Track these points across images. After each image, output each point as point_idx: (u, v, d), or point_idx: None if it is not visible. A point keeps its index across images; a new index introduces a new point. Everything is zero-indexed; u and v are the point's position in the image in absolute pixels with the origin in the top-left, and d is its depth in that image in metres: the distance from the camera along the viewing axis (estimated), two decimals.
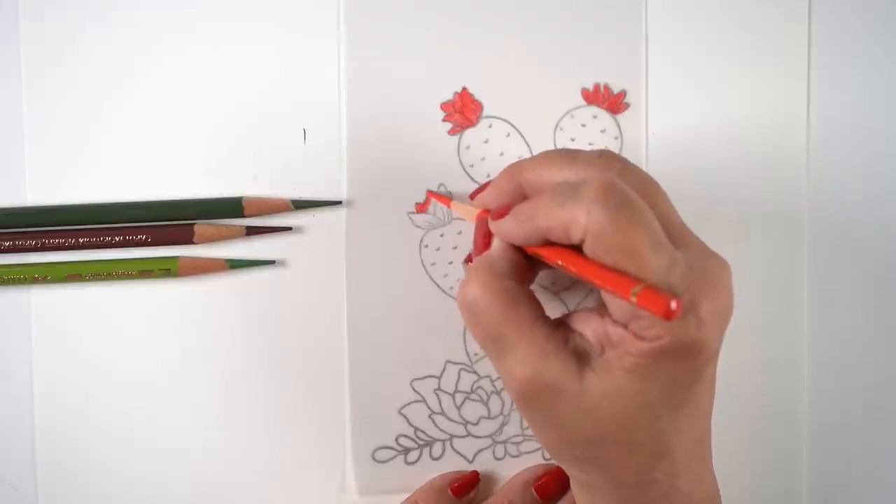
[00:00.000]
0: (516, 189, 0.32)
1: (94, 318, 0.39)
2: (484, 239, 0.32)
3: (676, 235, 0.29)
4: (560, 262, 0.29)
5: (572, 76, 0.40)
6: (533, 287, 0.33)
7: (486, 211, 0.33)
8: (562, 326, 0.30)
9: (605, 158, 0.31)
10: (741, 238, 0.40)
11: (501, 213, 0.31)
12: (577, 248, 0.29)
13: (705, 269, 0.28)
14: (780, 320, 0.41)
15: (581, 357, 0.29)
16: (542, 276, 0.38)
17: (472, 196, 0.35)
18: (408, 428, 0.40)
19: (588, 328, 0.30)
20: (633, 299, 0.26)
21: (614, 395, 0.28)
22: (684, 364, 0.28)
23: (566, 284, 0.40)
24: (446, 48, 0.39)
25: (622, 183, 0.28)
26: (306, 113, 0.39)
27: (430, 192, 0.39)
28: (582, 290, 0.40)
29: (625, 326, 0.28)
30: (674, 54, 0.40)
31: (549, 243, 0.30)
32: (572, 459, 0.31)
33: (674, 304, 0.25)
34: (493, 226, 0.32)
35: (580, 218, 0.27)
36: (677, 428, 0.29)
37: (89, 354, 0.39)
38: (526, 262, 0.31)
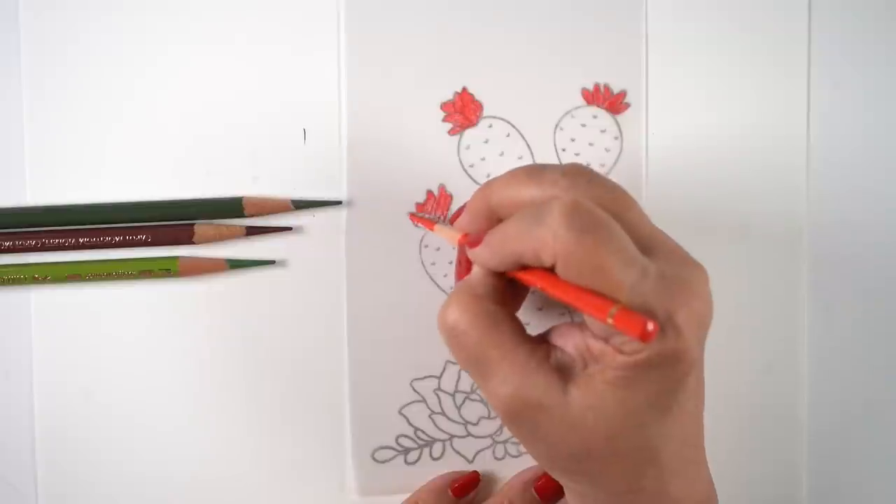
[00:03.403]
0: (490, 211, 0.32)
1: (94, 318, 0.39)
2: (465, 263, 0.32)
3: (648, 243, 0.29)
4: (539, 286, 0.29)
5: (572, 76, 0.40)
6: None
7: (466, 235, 0.33)
8: (543, 343, 0.30)
9: (570, 176, 0.30)
10: (741, 239, 0.40)
11: (476, 241, 0.31)
12: (553, 271, 0.28)
13: (680, 276, 0.28)
14: (779, 321, 0.41)
15: (563, 372, 0.29)
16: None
17: (452, 220, 0.35)
18: (408, 428, 0.40)
19: (570, 343, 0.30)
20: (610, 321, 0.26)
21: (598, 408, 0.28)
22: (666, 373, 0.28)
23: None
24: (446, 48, 0.39)
25: (586, 202, 0.28)
26: (306, 113, 0.39)
27: (412, 216, 0.39)
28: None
29: (605, 340, 0.28)
30: (674, 54, 0.40)
31: (525, 267, 0.29)
32: (561, 471, 0.31)
33: (650, 326, 0.25)
34: (470, 254, 0.31)
35: (548, 242, 0.27)
36: (664, 434, 0.29)
37: (89, 354, 0.39)
38: (507, 287, 0.31)
